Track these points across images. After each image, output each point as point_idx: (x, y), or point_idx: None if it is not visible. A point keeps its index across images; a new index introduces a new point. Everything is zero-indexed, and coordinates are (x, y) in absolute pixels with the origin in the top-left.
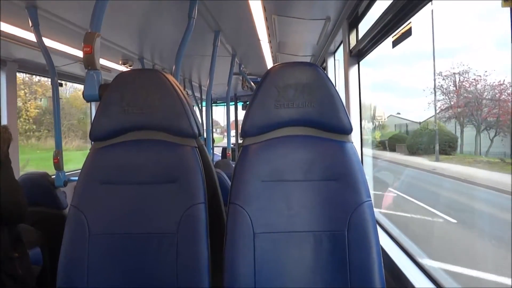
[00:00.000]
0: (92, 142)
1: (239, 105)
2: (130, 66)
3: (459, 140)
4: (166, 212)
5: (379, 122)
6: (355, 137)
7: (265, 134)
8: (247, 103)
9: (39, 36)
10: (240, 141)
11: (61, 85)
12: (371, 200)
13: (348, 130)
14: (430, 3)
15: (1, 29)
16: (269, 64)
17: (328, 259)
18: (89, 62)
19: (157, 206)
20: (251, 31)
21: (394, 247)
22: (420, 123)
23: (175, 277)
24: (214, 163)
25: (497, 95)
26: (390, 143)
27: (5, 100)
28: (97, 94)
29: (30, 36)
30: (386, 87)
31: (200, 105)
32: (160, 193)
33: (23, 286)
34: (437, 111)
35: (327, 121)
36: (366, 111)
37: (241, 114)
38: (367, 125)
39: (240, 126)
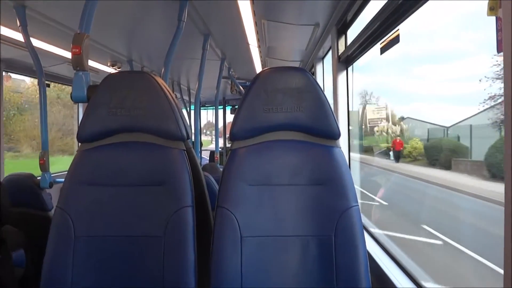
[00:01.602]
0: (79, 144)
1: (228, 109)
2: (118, 68)
3: None
4: (153, 215)
5: (401, 126)
6: (343, 142)
7: (254, 138)
8: (236, 107)
9: (27, 36)
10: (228, 145)
11: (48, 85)
12: (358, 205)
13: (336, 135)
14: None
15: None
16: (258, 68)
17: (315, 263)
18: (77, 63)
19: (144, 209)
20: (241, 35)
21: (380, 252)
22: (448, 127)
23: (161, 280)
24: (202, 166)
25: None
26: (440, 157)
27: None
28: (85, 95)
29: (18, 36)
30: (382, 92)
31: (188, 108)
32: (148, 195)
33: None
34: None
35: (316, 126)
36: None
37: (229, 117)
38: (394, 128)
39: (229, 130)
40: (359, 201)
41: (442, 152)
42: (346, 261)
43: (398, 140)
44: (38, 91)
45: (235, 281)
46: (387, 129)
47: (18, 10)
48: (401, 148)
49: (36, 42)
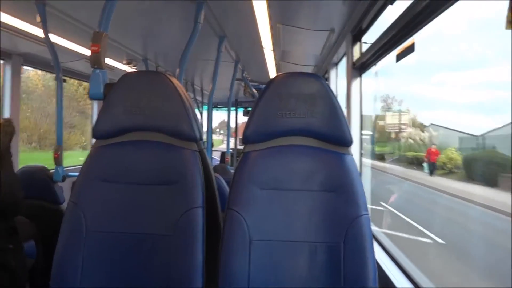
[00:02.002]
0: (94, 140)
1: (240, 111)
2: (134, 66)
3: None
4: (163, 214)
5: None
6: (354, 149)
7: (266, 142)
8: (248, 109)
9: (46, 31)
10: (239, 147)
11: (64, 81)
12: (368, 214)
13: (348, 142)
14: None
15: (10, 23)
16: (272, 71)
17: (323, 270)
18: (95, 61)
19: (155, 207)
20: (256, 38)
21: (388, 261)
22: (477, 136)
23: (168, 279)
24: (212, 167)
25: None
26: (483, 171)
27: (9, 93)
28: (102, 93)
29: (37, 31)
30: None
31: (200, 109)
32: (159, 194)
33: (15, 277)
34: None
35: (328, 132)
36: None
37: (241, 119)
38: (423, 135)
39: (241, 132)
40: (402, 234)
41: (485, 165)
42: (354, 269)
43: (433, 149)
44: (39, 80)
45: (242, 283)
46: (415, 136)
47: (39, 6)
48: (437, 158)
49: (54, 38)
